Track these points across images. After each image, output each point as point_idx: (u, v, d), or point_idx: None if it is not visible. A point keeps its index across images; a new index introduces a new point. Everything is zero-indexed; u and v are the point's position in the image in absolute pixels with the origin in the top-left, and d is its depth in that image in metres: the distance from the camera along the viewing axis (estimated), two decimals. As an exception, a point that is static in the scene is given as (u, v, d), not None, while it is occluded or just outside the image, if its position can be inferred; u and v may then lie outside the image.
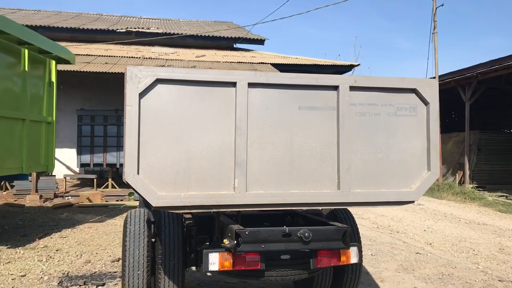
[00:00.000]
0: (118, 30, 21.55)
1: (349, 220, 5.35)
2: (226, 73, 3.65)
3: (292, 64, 20.72)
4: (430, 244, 8.76)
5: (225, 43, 22.98)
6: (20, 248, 8.05)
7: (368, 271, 6.71)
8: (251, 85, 3.64)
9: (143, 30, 22.12)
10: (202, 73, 3.62)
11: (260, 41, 23.12)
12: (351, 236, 5.18)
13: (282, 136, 3.72)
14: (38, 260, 7.23)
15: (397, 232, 9.97)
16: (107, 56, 18.38)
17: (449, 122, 29.49)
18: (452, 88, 20.78)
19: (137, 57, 18.65)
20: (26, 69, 8.69)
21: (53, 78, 9.71)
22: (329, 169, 3.80)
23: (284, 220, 4.89)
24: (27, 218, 11.40)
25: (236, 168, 3.58)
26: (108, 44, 20.25)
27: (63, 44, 19.65)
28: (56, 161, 18.09)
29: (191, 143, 3.55)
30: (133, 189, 3.48)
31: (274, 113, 3.72)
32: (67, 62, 9.90)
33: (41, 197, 14.66)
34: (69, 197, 15.14)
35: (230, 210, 3.80)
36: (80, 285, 5.96)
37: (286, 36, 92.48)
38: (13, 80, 8.44)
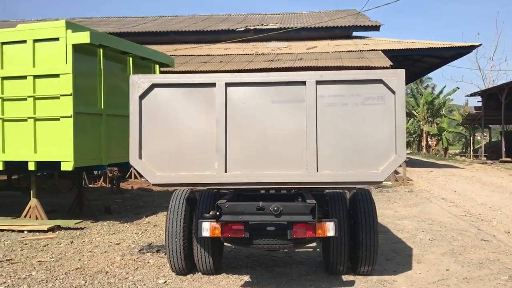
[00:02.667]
0: (237, 30, 23.18)
1: (367, 202, 5.75)
2: (207, 76, 4.47)
3: (406, 49, 20.27)
4: (508, 232, 8.43)
5: (340, 32, 23.21)
6: (128, 223, 9.74)
7: (411, 253, 6.93)
8: (229, 84, 4.41)
9: (260, 27, 23.45)
10: (188, 77, 4.49)
11: (375, 27, 22.88)
12: (366, 215, 5.62)
13: (257, 126, 4.42)
14: (135, 233, 8.77)
15: (482, 220, 9.66)
16: (224, 55, 20.03)
17: None
18: None
19: (250, 54, 19.99)
20: (131, 73, 10.37)
21: (157, 80, 11.32)
22: (299, 153, 4.40)
23: (293, 199, 5.51)
24: (148, 200, 13.39)
25: (216, 153, 4.40)
26: (227, 43, 21.94)
27: (190, 46, 21.90)
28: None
29: (182, 134, 4.45)
30: (136, 170, 4.51)
31: (250, 107, 4.43)
32: (167, 65, 11.46)
33: (168, 182, 16.82)
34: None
35: (213, 187, 4.62)
36: (153, 252, 7.25)
37: (425, 17, 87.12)
38: (120, 83, 10.15)
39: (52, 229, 8.93)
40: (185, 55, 20.05)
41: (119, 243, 7.97)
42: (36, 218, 9.62)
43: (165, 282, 5.77)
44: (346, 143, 4.39)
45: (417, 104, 42.75)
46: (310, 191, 5.29)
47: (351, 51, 19.65)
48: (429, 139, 41.77)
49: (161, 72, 11.79)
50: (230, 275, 5.99)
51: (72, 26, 8.68)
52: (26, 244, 7.96)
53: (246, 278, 5.91)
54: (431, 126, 41.23)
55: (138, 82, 4.44)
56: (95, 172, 16.86)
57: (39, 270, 6.37)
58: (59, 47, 8.54)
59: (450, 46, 19.79)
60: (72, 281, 5.86)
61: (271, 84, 4.42)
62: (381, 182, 4.43)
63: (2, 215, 10.33)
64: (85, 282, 5.80)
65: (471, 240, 7.77)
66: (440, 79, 66.30)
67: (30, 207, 9.70)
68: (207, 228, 4.65)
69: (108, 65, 9.65)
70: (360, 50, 19.62)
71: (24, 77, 8.75)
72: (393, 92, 4.33)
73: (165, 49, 20.35)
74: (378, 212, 10.35)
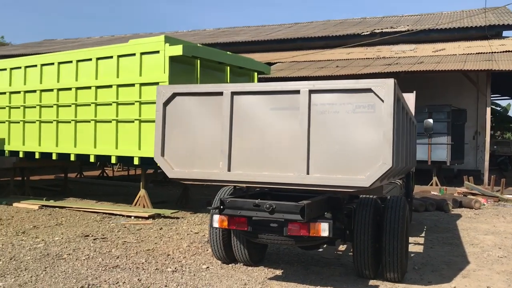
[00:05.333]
0: (363, 34, 23.03)
1: (395, 209, 5.76)
2: (216, 85, 5.08)
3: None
4: None
5: (475, 33, 21.58)
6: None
7: (464, 268, 6.63)
8: (234, 93, 4.94)
9: (387, 30, 22.96)
10: (202, 86, 5.14)
11: (515, 27, 20.84)
12: (392, 222, 5.66)
13: (257, 131, 4.88)
14: (216, 225, 9.67)
15: None
16: (344, 59, 20.16)
17: None
18: None
19: (371, 58, 19.79)
20: (228, 80, 11.36)
21: (255, 86, 12.16)
22: (293, 157, 4.74)
23: None
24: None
25: (222, 154, 4.97)
26: (350, 47, 21.94)
27: (314, 51, 22.46)
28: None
29: (195, 136, 5.12)
30: (158, 165, 5.29)
31: (252, 113, 4.91)
32: (263, 73, 12.25)
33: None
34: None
35: (219, 183, 5.19)
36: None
37: None
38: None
39: (152, 217, 10.27)
40: (305, 61, 20.66)
41: (198, 233, 8.92)
42: (144, 206, 11.13)
43: (207, 267, 6.49)
44: (336, 149, 4.60)
45: None
46: (326, 194, 5.54)
47: (481, 53, 18.28)
48: None
49: (259, 80, 12.61)
50: (266, 268, 6.48)
51: (170, 40, 9.92)
52: (125, 227, 9.37)
53: (279, 272, 6.34)
54: None
55: (162, 91, 5.23)
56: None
57: (119, 248, 7.58)
58: (159, 59, 9.86)
59: None
60: (136, 259, 6.91)
61: (270, 93, 4.84)
62: (367, 187, 4.53)
63: (127, 202, 12.06)
64: (145, 261, 6.80)
65: (550, 261, 7.07)
66: None
67: (139, 197, 11.26)
68: (217, 220, 5.27)
69: (206, 74, 10.72)
70: (492, 52, 18.14)
71: (133, 84, 10.26)
72: (383, 101, 4.43)
73: (288, 55, 21.27)
74: (472, 226, 9.92)
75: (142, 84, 10.16)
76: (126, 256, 7.06)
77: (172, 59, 9.81)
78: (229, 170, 4.97)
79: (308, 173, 4.69)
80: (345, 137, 4.60)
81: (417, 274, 6.33)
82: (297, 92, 4.74)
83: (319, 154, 4.68)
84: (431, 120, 10.61)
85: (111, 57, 10.63)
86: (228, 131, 4.96)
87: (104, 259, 6.86)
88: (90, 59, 10.96)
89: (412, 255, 7.30)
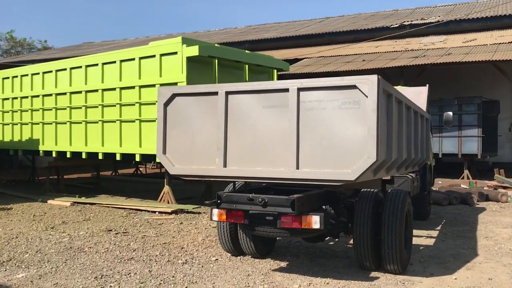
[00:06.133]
0: (392, 26, 22.71)
1: (395, 202, 5.86)
2: (211, 86, 5.32)
3: None
4: None
5: (509, 21, 20.88)
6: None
7: (470, 260, 6.63)
8: (228, 92, 5.18)
9: (416, 22, 22.57)
10: (199, 87, 5.39)
11: (553, 13, 20.04)
12: (390, 215, 5.78)
13: (250, 128, 5.10)
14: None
15: None
16: (371, 53, 20.00)
17: None
18: None
19: (399, 51, 19.56)
20: (247, 78, 11.60)
21: (275, 83, 12.34)
22: (283, 152, 4.93)
23: None
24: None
25: (217, 151, 5.22)
26: (377, 40, 21.70)
27: (342, 45, 22.39)
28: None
29: (194, 134, 5.38)
30: (160, 163, 5.58)
31: (245, 111, 5.13)
32: (282, 70, 12.42)
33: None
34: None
35: (216, 179, 5.43)
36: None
37: None
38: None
39: (175, 212, 10.65)
40: (332, 56, 20.63)
41: (216, 227, 9.21)
42: (168, 202, 11.54)
43: (216, 259, 6.77)
44: (324, 144, 4.75)
45: None
46: (323, 188, 5.71)
47: (503, 43, 17.75)
48: None
49: (279, 77, 12.78)
50: (272, 260, 6.69)
51: (187, 41, 10.25)
52: (148, 222, 9.78)
53: (284, 264, 6.55)
54: None
55: (163, 92, 5.52)
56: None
57: (138, 241, 7.97)
58: (177, 59, 10.22)
59: None
60: (152, 252, 7.26)
61: (262, 92, 5.04)
62: (353, 181, 4.66)
63: (155, 198, 12.47)
64: (159, 253, 7.15)
65: None
66: None
67: (163, 193, 11.67)
68: (216, 214, 5.54)
69: (224, 72, 10.99)
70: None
71: (154, 85, 10.65)
72: (366, 97, 4.55)
73: (315, 50, 21.29)
74: (494, 219, 9.82)
75: (162, 85, 10.51)
76: (143, 249, 7.42)
77: (190, 60, 10.14)
78: (225, 166, 5.21)
79: (297, 168, 4.87)
80: (332, 133, 4.75)
81: (421, 266, 6.39)
82: (287, 90, 4.93)
83: (308, 149, 4.85)
84: (450, 113, 10.48)
85: (133, 59, 11.07)
86: (223, 129, 5.20)
87: (122, 252, 7.25)
88: (114, 62, 11.44)
89: (421, 248, 7.35)
